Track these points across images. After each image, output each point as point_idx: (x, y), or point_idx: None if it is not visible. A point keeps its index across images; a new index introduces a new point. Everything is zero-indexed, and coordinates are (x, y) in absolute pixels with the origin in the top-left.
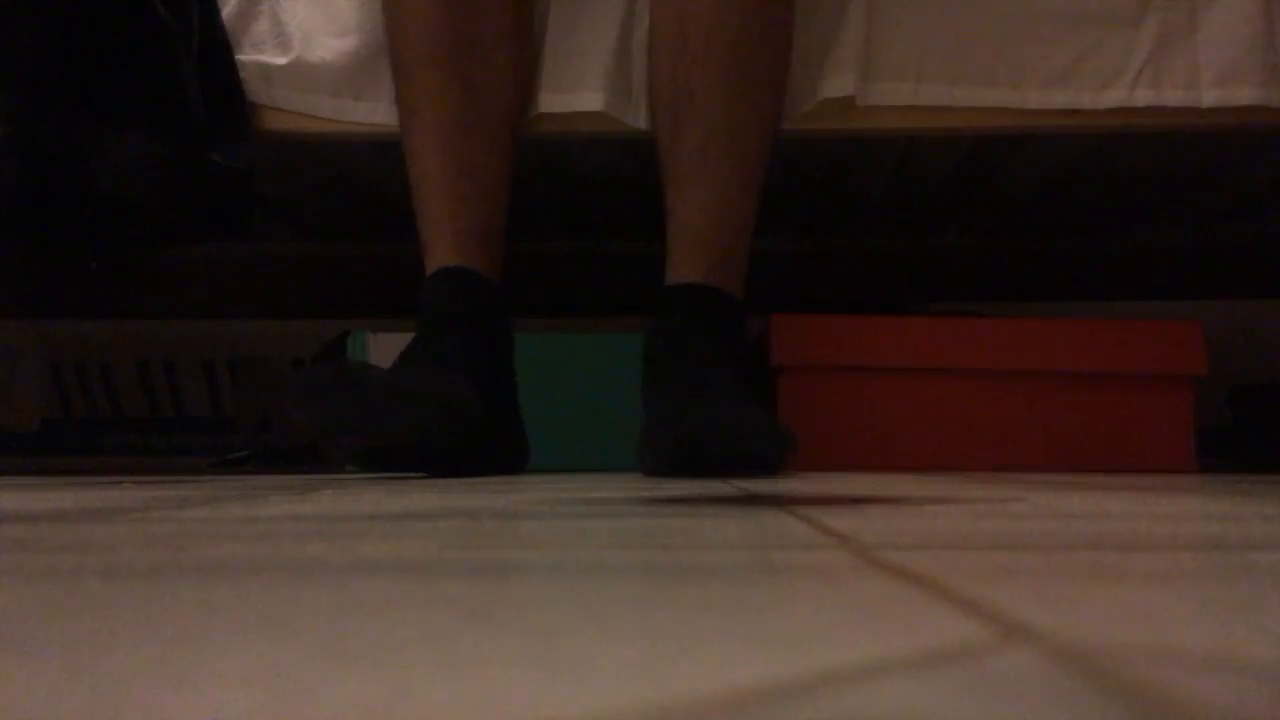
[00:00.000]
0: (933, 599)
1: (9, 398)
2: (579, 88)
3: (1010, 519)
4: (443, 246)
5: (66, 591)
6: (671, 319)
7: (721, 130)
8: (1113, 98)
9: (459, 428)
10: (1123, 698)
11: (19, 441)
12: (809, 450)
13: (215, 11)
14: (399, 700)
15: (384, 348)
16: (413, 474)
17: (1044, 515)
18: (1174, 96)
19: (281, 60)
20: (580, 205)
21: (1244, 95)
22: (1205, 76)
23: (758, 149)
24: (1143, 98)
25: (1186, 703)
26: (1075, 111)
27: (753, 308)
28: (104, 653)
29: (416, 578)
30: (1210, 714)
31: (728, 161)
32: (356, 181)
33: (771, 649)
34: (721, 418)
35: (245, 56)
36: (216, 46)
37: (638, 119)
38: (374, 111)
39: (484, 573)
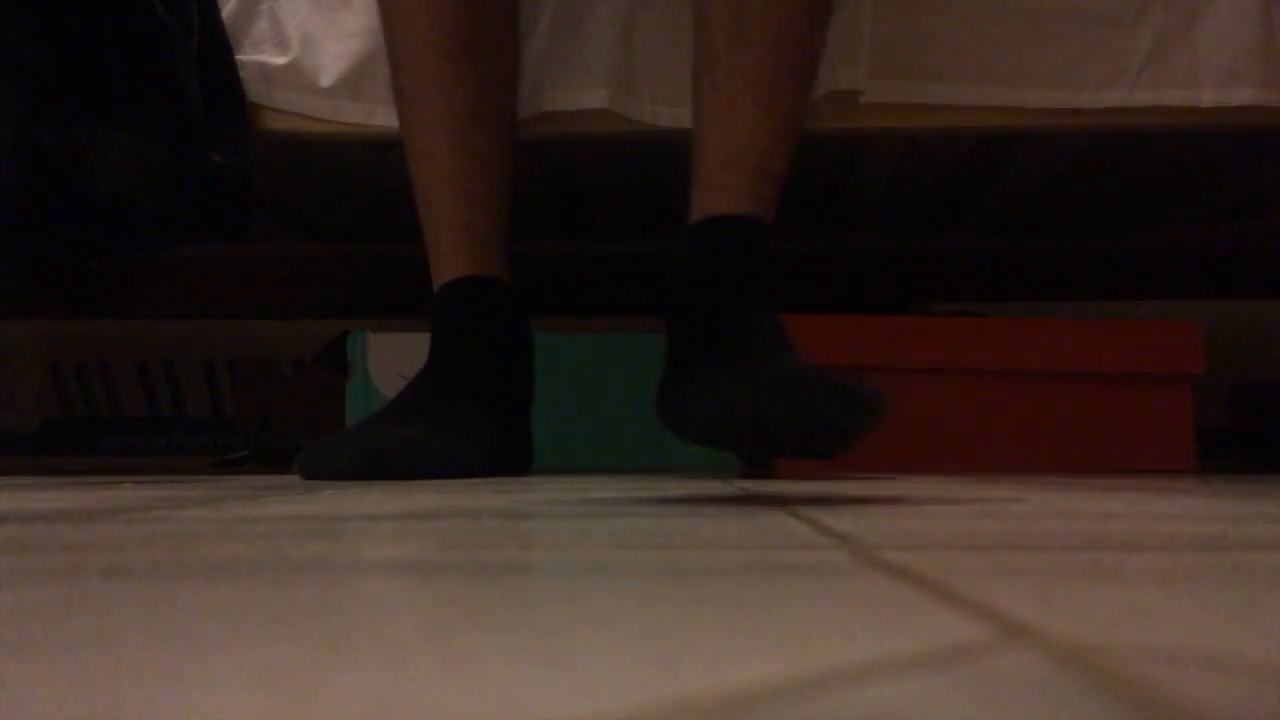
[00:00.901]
0: (933, 599)
1: (9, 398)
2: (583, 85)
3: (1010, 519)
4: (458, 252)
5: (67, 592)
6: (720, 253)
7: (790, 46)
8: (1113, 97)
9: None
10: (1123, 698)
11: (19, 442)
12: None
13: (215, 11)
14: (400, 700)
15: (384, 348)
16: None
17: (1044, 515)
18: (1174, 96)
19: (281, 61)
20: (580, 205)
21: (1244, 95)
22: (1205, 76)
23: (806, 83)
24: (1143, 97)
25: (1187, 703)
26: (1075, 111)
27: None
28: (105, 653)
29: (417, 577)
30: (1210, 715)
31: (792, 81)
32: (356, 182)
33: (772, 649)
34: (794, 380)
35: (245, 57)
36: (216, 46)
37: (641, 114)
38: (372, 113)
39: (484, 573)
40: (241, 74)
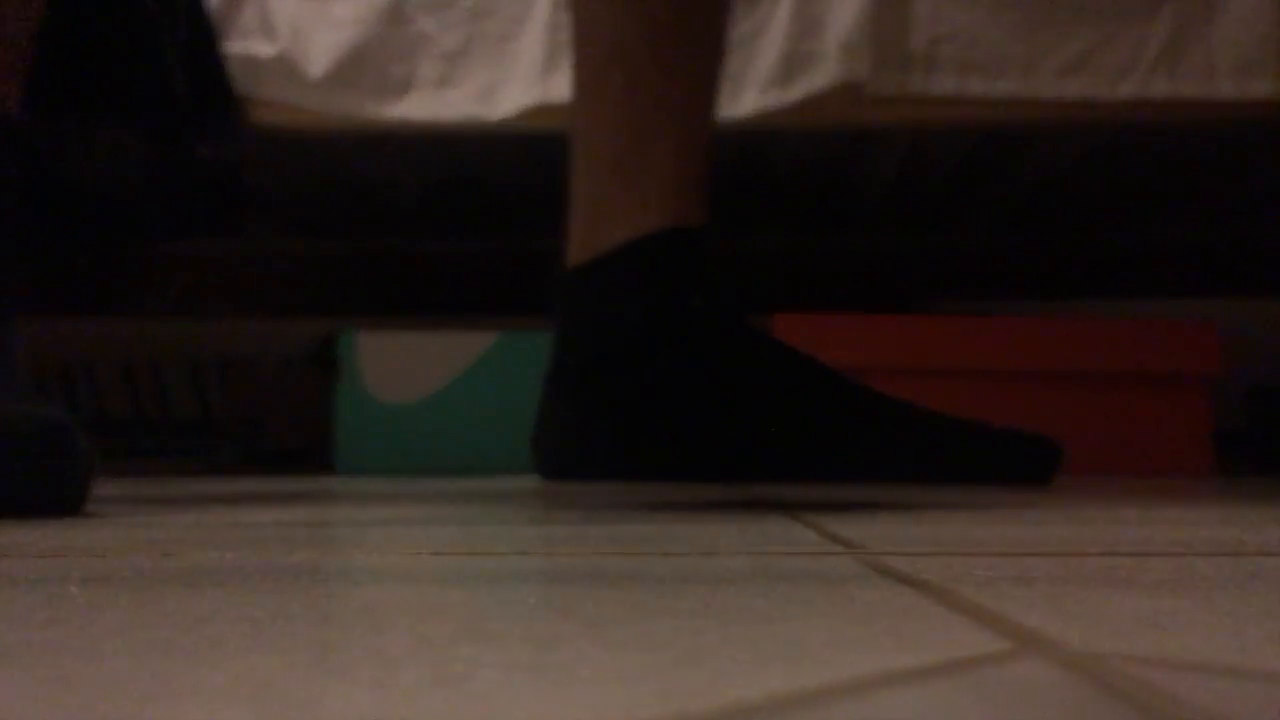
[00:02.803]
0: (942, 607)
1: None
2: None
3: (1021, 524)
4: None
5: (50, 600)
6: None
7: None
8: (1127, 89)
9: None
10: (1136, 708)
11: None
12: None
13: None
14: (391, 713)
15: (374, 348)
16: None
17: (1056, 521)
18: (1190, 87)
19: (269, 51)
20: None
21: (1261, 87)
22: (1221, 68)
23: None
24: (1158, 89)
25: (1202, 713)
26: (1089, 103)
27: (755, 307)
28: (89, 663)
29: (409, 586)
30: None
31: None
32: (346, 176)
33: (776, 660)
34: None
35: (232, 47)
36: (203, 37)
37: None
38: (363, 104)
39: (478, 580)
40: (229, 65)
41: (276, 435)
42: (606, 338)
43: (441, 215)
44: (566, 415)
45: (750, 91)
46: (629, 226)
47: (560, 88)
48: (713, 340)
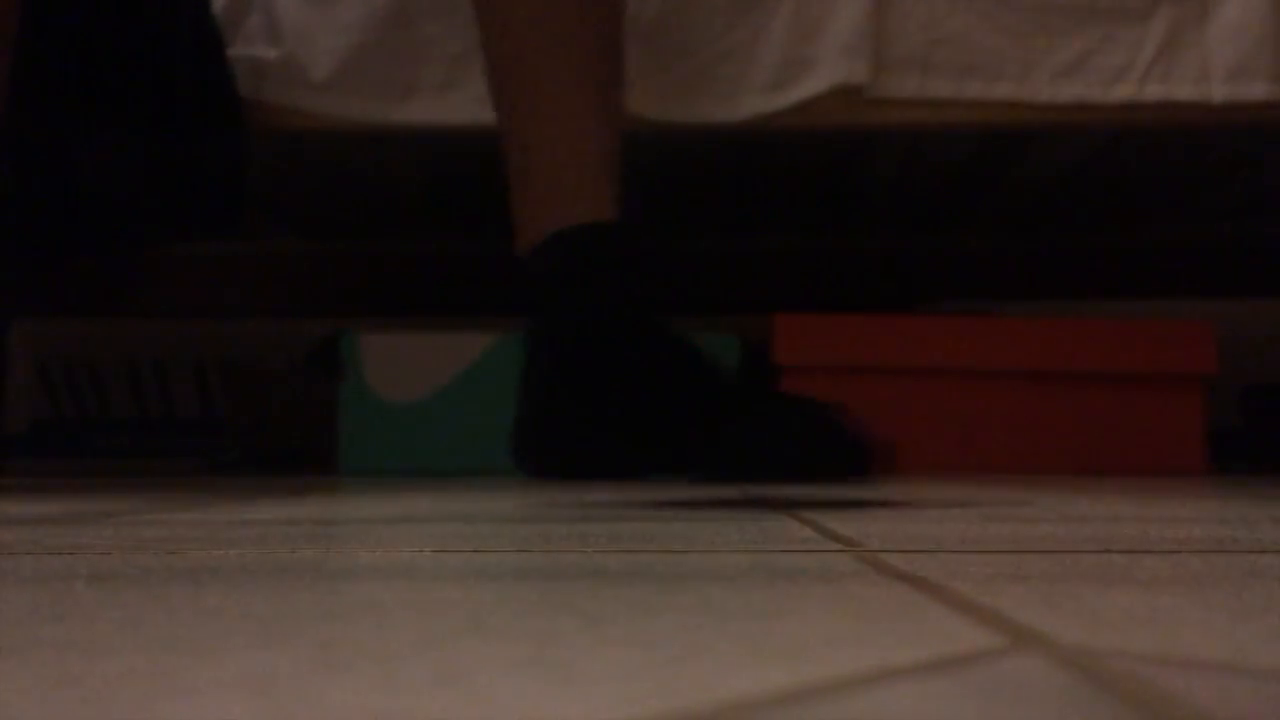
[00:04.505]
0: (940, 604)
1: None
2: None
3: (1018, 522)
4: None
5: (56, 596)
6: (627, 270)
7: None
8: (1122, 92)
9: None
10: (1132, 704)
11: (7, 443)
12: None
13: (206, 5)
14: (394, 709)
15: (376, 349)
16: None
17: (1052, 518)
18: (1184, 91)
19: (273, 55)
20: None
21: (1255, 91)
22: (1216, 72)
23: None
24: (1152, 93)
25: (1197, 709)
26: (1084, 106)
27: (756, 307)
28: (95, 658)
29: (411, 582)
30: (1218, 719)
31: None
32: (349, 178)
33: (775, 656)
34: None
35: (237, 52)
36: (208, 40)
37: (637, 106)
38: (365, 108)
39: (479, 578)
40: (233, 69)
41: (280, 435)
42: (530, 331)
43: (444, 217)
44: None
45: (750, 95)
46: (546, 223)
47: None
48: (601, 338)
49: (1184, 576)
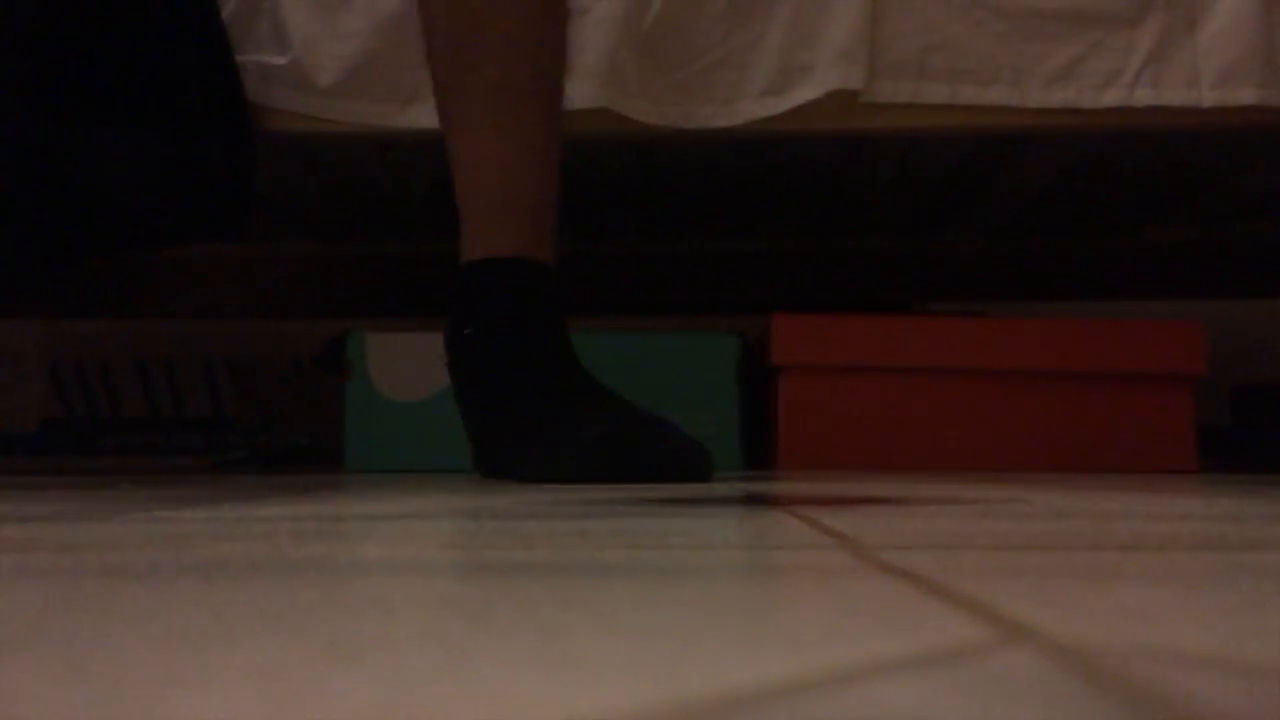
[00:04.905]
0: (933, 599)
1: (9, 398)
2: (582, 84)
3: (1010, 519)
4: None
5: (67, 591)
6: (539, 300)
7: (518, 63)
8: (1113, 97)
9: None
10: (1123, 698)
11: (19, 442)
12: (809, 450)
13: (215, 10)
14: (400, 701)
15: (383, 349)
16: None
17: (1044, 515)
18: (1174, 96)
19: (280, 60)
20: (580, 205)
21: (1244, 95)
22: (1205, 77)
23: (549, 102)
24: (1143, 97)
25: (1187, 703)
26: (1075, 111)
27: (753, 307)
28: (104, 653)
29: (416, 577)
30: (1211, 715)
31: (530, 101)
32: (356, 181)
33: (771, 649)
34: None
35: (245, 57)
36: (216, 46)
37: (640, 114)
38: (371, 113)
39: (484, 572)
40: (242, 74)
41: (287, 433)
42: (448, 340)
43: (447, 218)
44: None
45: (748, 101)
46: (475, 249)
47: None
48: (483, 356)
49: (1175, 572)
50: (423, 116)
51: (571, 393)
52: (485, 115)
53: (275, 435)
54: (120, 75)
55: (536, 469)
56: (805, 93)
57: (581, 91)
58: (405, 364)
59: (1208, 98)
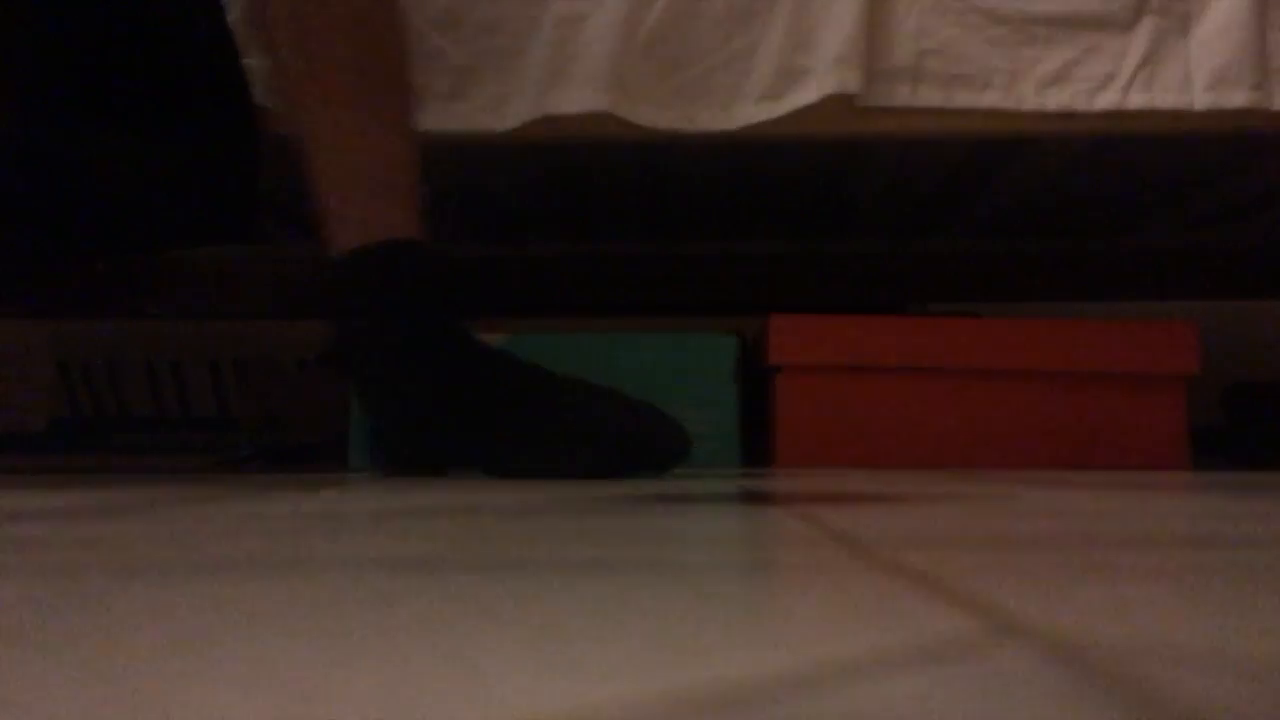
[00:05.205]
0: (929, 596)
1: (18, 398)
2: (584, 89)
3: (1006, 517)
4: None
5: (75, 588)
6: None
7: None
8: (1107, 101)
9: None
10: (1116, 694)
11: (27, 441)
12: (807, 448)
13: (221, 12)
14: (403, 696)
15: None
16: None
17: (1039, 513)
18: (1167, 100)
19: None
20: (580, 205)
21: (1237, 98)
22: (1198, 80)
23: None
24: (1136, 101)
25: (1179, 699)
26: (1070, 114)
27: (752, 308)
28: (112, 649)
29: (420, 574)
30: (1203, 710)
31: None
32: None
33: (769, 645)
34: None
35: (251, 60)
36: (224, 50)
37: (642, 117)
38: None
39: (486, 569)
40: (249, 78)
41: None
42: (339, 336)
43: (449, 220)
44: None
45: (746, 104)
46: (356, 235)
47: (564, 100)
48: (410, 344)
49: (1168, 569)
50: (426, 119)
51: (520, 378)
52: (348, 92)
53: (281, 434)
54: (128, 78)
55: (512, 463)
56: (803, 97)
57: (583, 97)
58: None
59: (1200, 101)
